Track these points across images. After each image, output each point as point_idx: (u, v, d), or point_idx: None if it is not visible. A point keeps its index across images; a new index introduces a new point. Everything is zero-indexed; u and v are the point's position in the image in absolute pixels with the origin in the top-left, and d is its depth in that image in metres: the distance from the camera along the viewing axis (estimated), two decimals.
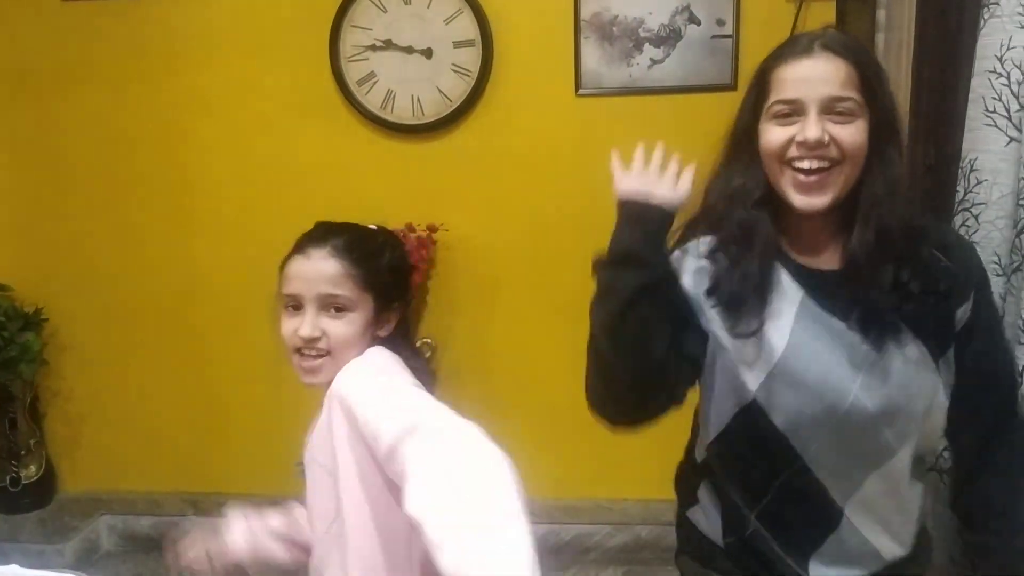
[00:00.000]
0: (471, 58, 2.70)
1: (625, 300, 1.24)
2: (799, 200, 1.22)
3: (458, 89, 2.73)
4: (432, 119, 2.76)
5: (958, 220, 1.58)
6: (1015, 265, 1.50)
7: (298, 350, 1.33)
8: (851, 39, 1.25)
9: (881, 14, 2.38)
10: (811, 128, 1.17)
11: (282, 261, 1.37)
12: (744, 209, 1.25)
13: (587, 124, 2.71)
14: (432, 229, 2.74)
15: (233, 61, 2.81)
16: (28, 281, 2.91)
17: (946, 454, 1.60)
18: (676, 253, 1.33)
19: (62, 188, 2.92)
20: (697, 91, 2.62)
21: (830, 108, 1.18)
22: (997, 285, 1.51)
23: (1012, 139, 1.48)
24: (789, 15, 2.52)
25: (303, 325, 1.31)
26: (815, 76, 1.19)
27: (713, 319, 1.28)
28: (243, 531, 1.46)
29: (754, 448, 1.28)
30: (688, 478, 1.46)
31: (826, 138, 1.18)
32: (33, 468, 2.96)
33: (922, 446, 1.32)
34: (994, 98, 1.49)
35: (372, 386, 1.25)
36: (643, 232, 1.24)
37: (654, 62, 2.65)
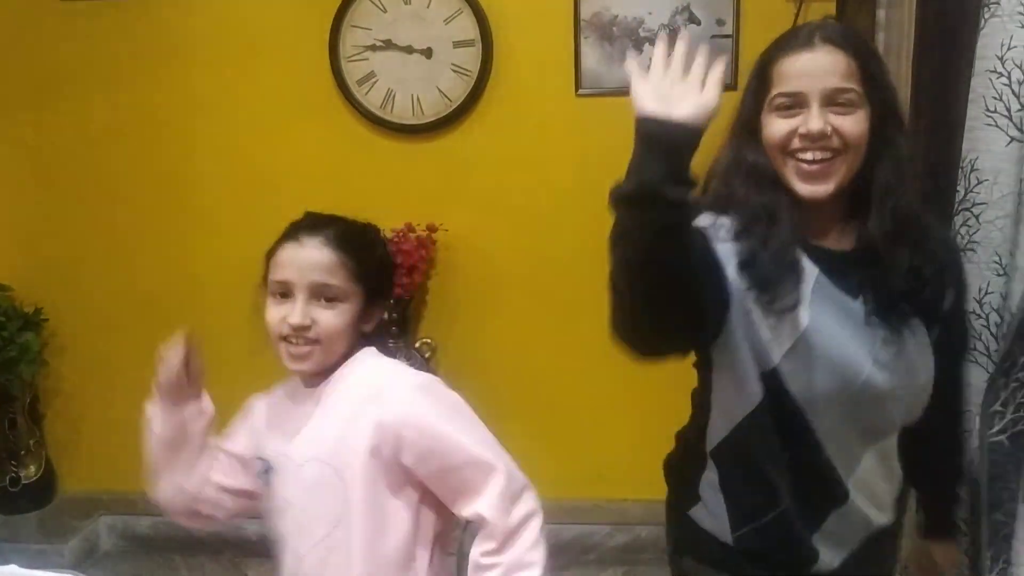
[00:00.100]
0: (471, 58, 2.70)
1: (644, 247, 1.09)
2: (803, 188, 1.24)
3: (458, 89, 2.73)
4: (432, 119, 2.76)
5: (959, 220, 1.57)
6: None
7: (284, 338, 1.31)
8: (850, 30, 1.28)
9: (881, 14, 2.38)
10: (814, 120, 1.20)
11: (270, 248, 1.36)
12: (765, 192, 1.27)
13: (587, 124, 2.71)
14: (432, 229, 2.74)
15: (233, 61, 2.81)
16: (28, 281, 2.90)
17: None
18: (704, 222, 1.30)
19: (62, 188, 2.92)
20: None
21: (832, 100, 1.21)
22: (997, 285, 1.50)
23: (1013, 139, 1.47)
24: (789, 15, 2.52)
25: (293, 313, 1.29)
26: (816, 68, 1.21)
27: (739, 288, 1.25)
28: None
29: (775, 424, 1.28)
30: (685, 473, 1.43)
31: (828, 129, 1.20)
32: (33, 468, 2.96)
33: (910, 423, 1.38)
34: (995, 98, 1.48)
35: (459, 432, 1.33)
36: (665, 160, 1.06)
37: None
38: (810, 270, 1.27)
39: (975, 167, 1.53)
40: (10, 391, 2.86)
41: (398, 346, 2.65)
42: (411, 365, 2.76)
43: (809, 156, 1.22)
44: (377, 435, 1.28)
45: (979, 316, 1.53)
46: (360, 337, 1.38)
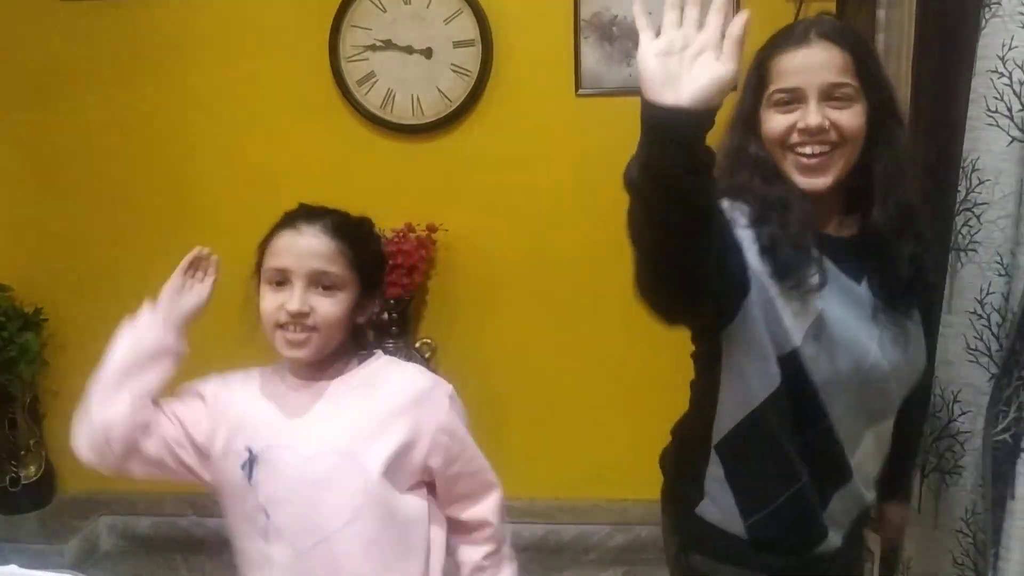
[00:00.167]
0: (471, 58, 2.70)
1: (659, 240, 1.07)
2: (803, 182, 1.27)
3: (458, 89, 2.73)
4: (432, 119, 2.76)
5: (960, 220, 1.57)
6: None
7: (281, 325, 1.30)
8: (845, 26, 1.31)
9: (881, 14, 2.38)
10: (812, 115, 1.23)
11: (265, 237, 1.35)
12: (774, 183, 1.29)
13: (587, 124, 2.71)
14: (432, 229, 2.74)
15: (233, 61, 2.81)
16: (28, 281, 2.90)
17: (948, 454, 1.60)
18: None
19: (62, 188, 2.92)
20: None
21: (829, 94, 1.23)
22: (999, 285, 1.50)
23: (1014, 139, 1.47)
24: (789, 15, 2.52)
25: (291, 300, 1.28)
26: (813, 64, 1.23)
27: (760, 272, 1.26)
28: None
29: (791, 408, 1.29)
30: (687, 470, 1.42)
31: (826, 124, 1.23)
32: (33, 468, 2.96)
33: None
34: (996, 98, 1.48)
35: (474, 442, 1.42)
36: (674, 150, 0.99)
37: None
38: (816, 256, 1.29)
39: (976, 167, 1.53)
40: (10, 391, 2.86)
41: (398, 346, 2.66)
42: None
43: (808, 150, 1.24)
44: (413, 435, 1.32)
45: (981, 317, 1.53)
46: (355, 329, 1.38)
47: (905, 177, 1.29)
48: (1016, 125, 1.47)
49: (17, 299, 2.88)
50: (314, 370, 1.35)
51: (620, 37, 2.65)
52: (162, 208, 2.88)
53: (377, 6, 2.72)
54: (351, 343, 1.38)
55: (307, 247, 1.30)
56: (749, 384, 1.30)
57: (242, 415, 1.36)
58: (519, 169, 2.77)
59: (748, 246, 1.26)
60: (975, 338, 1.54)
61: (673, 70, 0.98)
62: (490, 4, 2.68)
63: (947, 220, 1.62)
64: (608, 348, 2.80)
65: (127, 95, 2.85)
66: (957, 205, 1.59)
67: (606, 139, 2.75)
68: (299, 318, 1.29)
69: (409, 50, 2.73)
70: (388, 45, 2.74)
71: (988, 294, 1.52)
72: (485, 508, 1.41)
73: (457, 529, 1.42)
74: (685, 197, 1.03)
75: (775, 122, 1.27)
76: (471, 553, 1.40)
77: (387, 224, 2.66)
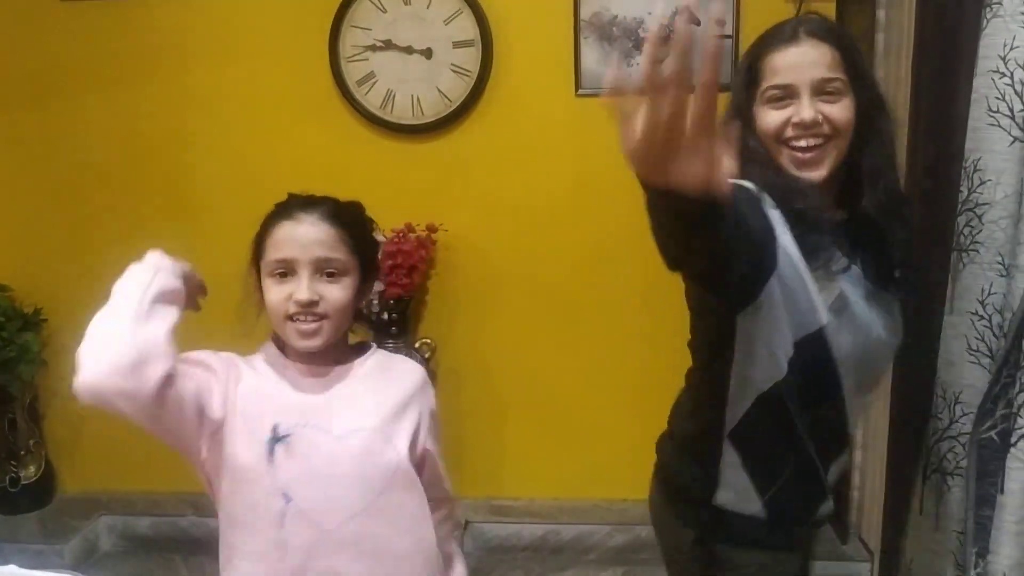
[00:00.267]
0: (471, 58, 2.70)
1: (674, 231, 1.03)
2: (799, 174, 1.32)
3: (458, 89, 2.73)
4: (432, 119, 2.75)
5: (962, 220, 1.57)
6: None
7: (290, 316, 1.30)
8: (831, 23, 1.37)
9: (881, 14, 2.38)
10: (805, 110, 1.28)
11: (260, 230, 1.35)
12: (782, 173, 1.32)
13: (587, 124, 2.71)
14: (432, 229, 2.73)
15: (232, 61, 2.80)
16: (28, 281, 2.90)
17: (949, 455, 1.60)
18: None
19: (61, 188, 2.91)
20: None
21: (820, 89, 1.29)
22: (1000, 286, 1.50)
23: (1016, 139, 1.48)
24: (789, 15, 2.51)
25: (300, 289, 1.29)
26: (804, 61, 1.30)
27: (790, 252, 1.26)
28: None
29: (809, 384, 1.32)
30: (699, 462, 1.42)
31: (819, 118, 1.29)
32: (32, 468, 2.96)
33: None
34: (997, 98, 1.49)
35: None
36: (681, 228, 0.98)
37: None
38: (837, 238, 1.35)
39: (978, 167, 1.53)
40: (10, 391, 2.85)
41: (398, 346, 2.65)
42: None
43: (803, 143, 1.30)
44: (419, 419, 1.39)
45: (982, 317, 1.53)
46: (355, 316, 1.41)
47: (894, 168, 1.37)
48: (1018, 125, 1.48)
49: (17, 299, 2.87)
50: (317, 358, 1.35)
51: (620, 37, 2.65)
52: (162, 208, 2.88)
53: (377, 6, 2.72)
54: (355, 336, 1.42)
55: (309, 236, 1.31)
56: (763, 367, 1.30)
57: (259, 394, 1.33)
58: (519, 169, 2.77)
59: (779, 225, 1.27)
60: (976, 339, 1.54)
61: (656, 154, 0.83)
62: (490, 4, 2.68)
63: (948, 220, 1.62)
64: (608, 348, 2.79)
65: (127, 95, 2.84)
66: (959, 206, 1.59)
67: (606, 139, 2.73)
68: (309, 307, 1.29)
69: (409, 50, 2.73)
70: (388, 45, 2.74)
71: (990, 294, 1.52)
72: (448, 485, 1.51)
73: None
74: (692, 221, 0.96)
75: (770, 118, 1.32)
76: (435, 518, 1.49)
77: (387, 224, 2.66)
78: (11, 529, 2.87)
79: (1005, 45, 1.47)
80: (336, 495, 1.30)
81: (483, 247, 2.81)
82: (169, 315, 1.28)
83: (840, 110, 1.30)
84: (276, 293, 1.31)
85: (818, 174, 1.31)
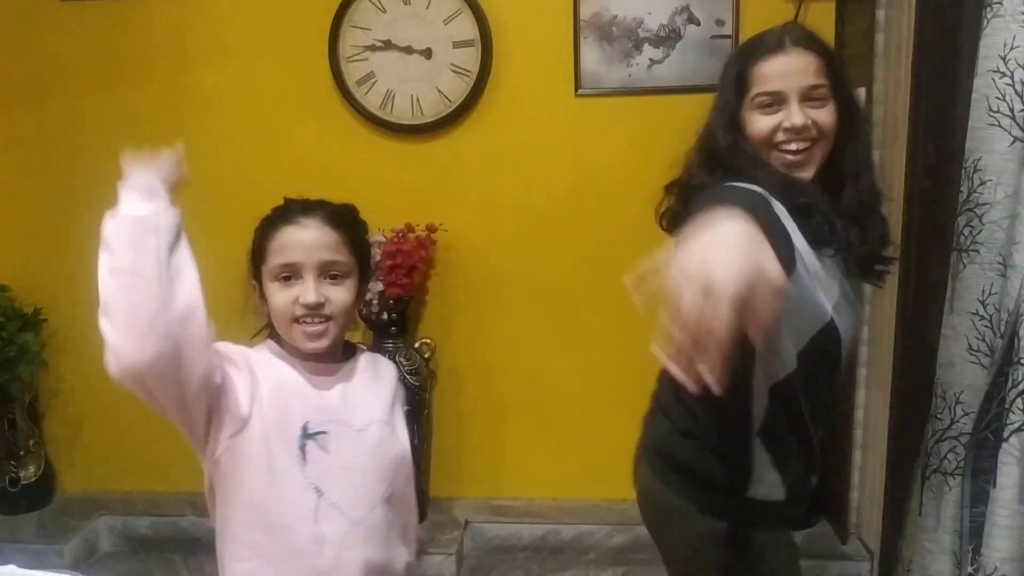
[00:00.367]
0: (470, 58, 2.70)
1: None
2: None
3: (457, 89, 2.73)
4: (431, 119, 2.75)
5: (962, 220, 1.57)
6: None
7: (297, 319, 1.31)
8: (811, 32, 1.43)
9: (881, 14, 2.38)
10: (795, 115, 1.35)
11: (260, 237, 1.36)
12: (779, 173, 1.37)
13: (586, 124, 2.71)
14: (431, 229, 2.73)
15: (233, 61, 2.80)
16: (28, 281, 2.90)
17: (950, 456, 1.60)
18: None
19: (62, 188, 2.91)
20: (696, 91, 2.60)
21: (807, 96, 1.36)
22: (1000, 286, 1.50)
23: (1016, 139, 1.47)
24: (788, 15, 2.52)
25: (307, 292, 1.30)
26: (792, 69, 1.36)
27: (805, 249, 1.32)
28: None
29: (819, 373, 1.38)
30: (727, 457, 1.45)
31: (808, 122, 1.35)
32: (32, 469, 2.95)
33: None
34: (998, 98, 1.49)
35: None
36: None
37: (653, 62, 2.65)
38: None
39: (978, 167, 1.53)
40: (10, 391, 2.85)
41: (398, 346, 2.65)
42: (411, 365, 2.78)
43: (793, 147, 1.37)
44: (403, 412, 1.48)
45: (983, 317, 1.53)
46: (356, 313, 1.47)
47: (872, 166, 1.44)
48: (1018, 125, 1.47)
49: (17, 299, 2.87)
50: (321, 357, 1.37)
51: (620, 37, 2.65)
52: None
53: (377, 6, 2.72)
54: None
55: (313, 239, 1.32)
56: (782, 363, 1.34)
57: (284, 393, 1.32)
58: (519, 169, 2.77)
59: (791, 225, 1.31)
60: (977, 339, 1.54)
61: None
62: (490, 4, 2.68)
63: (948, 220, 1.62)
64: (608, 348, 2.79)
65: (127, 95, 2.84)
66: (959, 206, 1.59)
67: (605, 139, 2.76)
68: (316, 309, 1.31)
69: (409, 50, 2.73)
70: (388, 45, 2.74)
71: (990, 295, 1.52)
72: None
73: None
74: None
75: (761, 123, 1.38)
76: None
77: (387, 224, 2.66)
78: (11, 529, 2.87)
79: (1005, 45, 1.47)
80: (361, 486, 1.35)
81: (483, 247, 2.81)
82: (186, 251, 1.19)
83: (826, 115, 1.37)
84: (282, 297, 1.32)
85: (806, 174, 1.38)
